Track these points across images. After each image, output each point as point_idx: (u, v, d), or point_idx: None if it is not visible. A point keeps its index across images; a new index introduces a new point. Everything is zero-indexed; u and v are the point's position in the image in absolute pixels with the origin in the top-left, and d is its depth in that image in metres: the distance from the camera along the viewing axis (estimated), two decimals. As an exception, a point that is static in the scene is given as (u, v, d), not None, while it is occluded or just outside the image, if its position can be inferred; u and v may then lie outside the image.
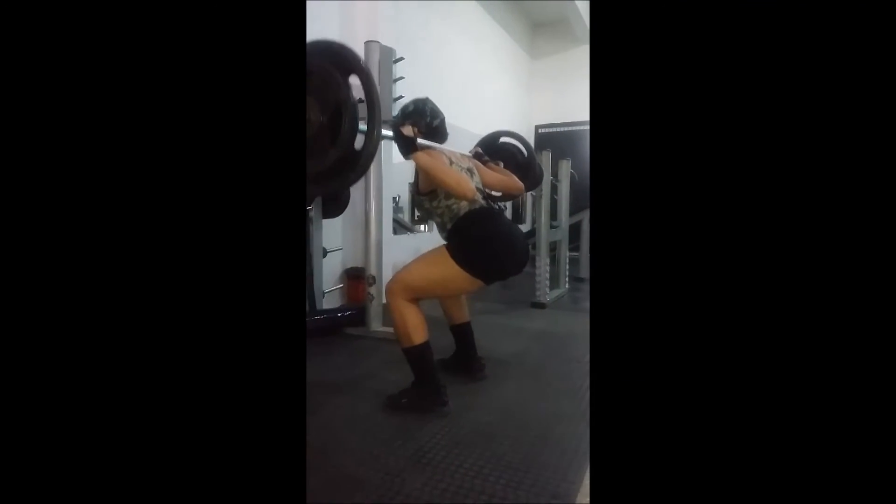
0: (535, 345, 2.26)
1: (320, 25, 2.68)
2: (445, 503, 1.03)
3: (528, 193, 4.31)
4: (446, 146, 1.62)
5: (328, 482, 1.10)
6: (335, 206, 2.60)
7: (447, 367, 1.79)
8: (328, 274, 2.78)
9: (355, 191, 2.66)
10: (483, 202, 1.57)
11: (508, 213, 4.32)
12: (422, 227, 4.18)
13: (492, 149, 2.07)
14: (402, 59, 2.43)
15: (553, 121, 6.34)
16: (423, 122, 1.55)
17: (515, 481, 1.11)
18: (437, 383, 1.48)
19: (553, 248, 3.34)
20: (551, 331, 2.50)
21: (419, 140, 1.44)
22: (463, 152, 1.70)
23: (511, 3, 5.77)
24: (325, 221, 2.59)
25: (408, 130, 1.46)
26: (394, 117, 1.69)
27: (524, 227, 5.04)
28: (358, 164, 1.27)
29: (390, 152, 3.03)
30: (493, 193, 1.83)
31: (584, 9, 5.51)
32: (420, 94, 1.65)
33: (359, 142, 1.30)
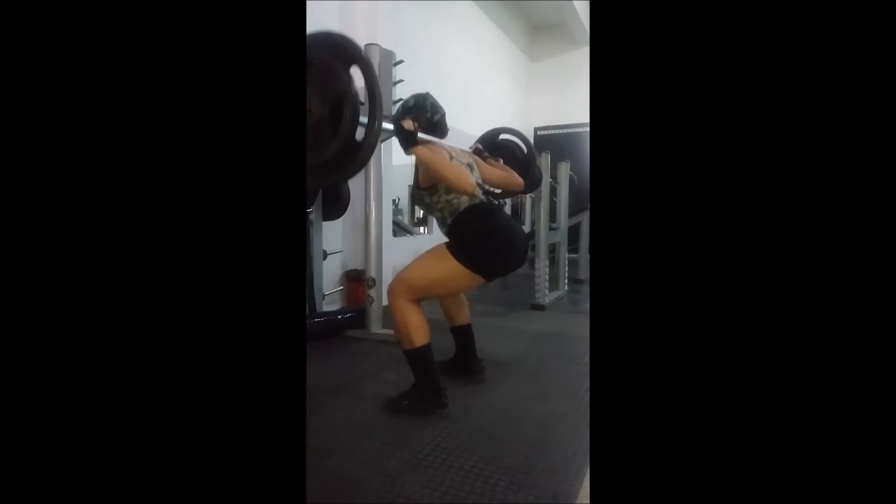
0: (534, 346, 2.26)
1: (320, 26, 2.68)
2: (445, 505, 1.03)
3: (528, 195, 4.31)
4: (446, 142, 1.62)
5: (328, 484, 1.10)
6: (335, 208, 2.60)
7: (447, 368, 1.79)
8: (328, 276, 2.78)
9: (355, 193, 2.66)
10: (483, 197, 1.57)
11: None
12: (421, 229, 4.19)
13: (491, 145, 2.06)
14: (401, 61, 2.44)
15: (551, 123, 6.35)
16: (424, 117, 1.54)
17: (515, 483, 1.11)
18: (437, 385, 1.48)
19: (552, 249, 3.34)
20: (551, 332, 2.50)
21: (419, 135, 1.44)
22: (463, 148, 1.70)
23: (510, 6, 5.79)
24: (325, 223, 2.59)
25: (408, 124, 1.45)
26: (394, 111, 1.68)
27: (523, 229, 5.04)
28: (359, 155, 1.26)
29: (390, 154, 3.04)
30: (493, 190, 1.83)
31: (582, 12, 5.52)
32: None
33: (359, 134, 1.29)
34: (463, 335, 1.80)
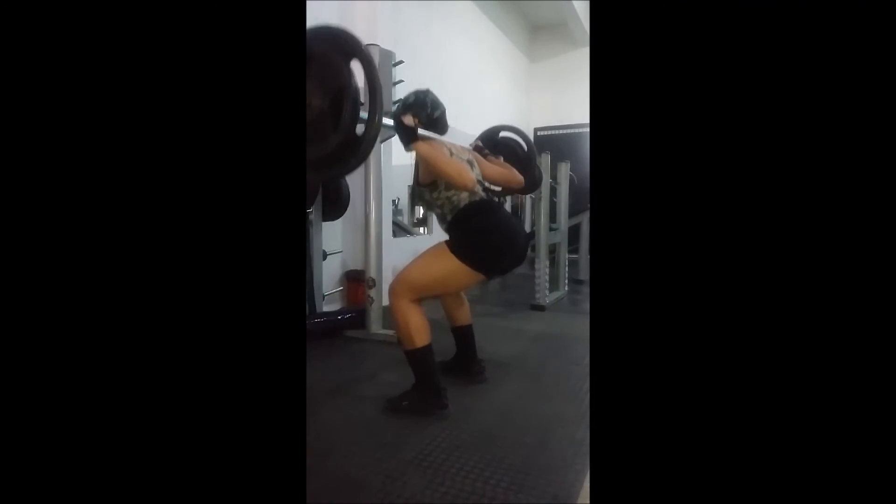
0: (534, 347, 2.25)
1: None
2: (446, 506, 1.03)
3: (528, 196, 4.31)
4: (446, 139, 1.62)
5: (328, 484, 1.10)
6: (335, 208, 2.60)
7: (447, 369, 1.79)
8: (328, 276, 2.78)
9: (355, 193, 2.66)
10: (483, 194, 1.57)
11: (508, 216, 4.30)
12: (421, 229, 4.18)
13: (492, 143, 2.06)
14: (401, 62, 2.44)
15: (551, 123, 6.35)
16: (424, 114, 1.53)
17: (516, 483, 1.11)
18: (437, 386, 1.48)
19: (552, 250, 3.34)
20: (551, 333, 2.50)
21: (420, 131, 1.44)
22: (463, 145, 1.70)
23: (510, 6, 5.79)
24: (325, 224, 2.59)
25: (409, 120, 1.45)
26: (395, 107, 1.68)
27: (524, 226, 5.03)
28: (359, 149, 1.26)
29: (390, 154, 3.03)
30: (493, 187, 1.82)
31: (582, 12, 5.52)
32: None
33: (360, 130, 1.29)
34: (463, 335, 1.80)
